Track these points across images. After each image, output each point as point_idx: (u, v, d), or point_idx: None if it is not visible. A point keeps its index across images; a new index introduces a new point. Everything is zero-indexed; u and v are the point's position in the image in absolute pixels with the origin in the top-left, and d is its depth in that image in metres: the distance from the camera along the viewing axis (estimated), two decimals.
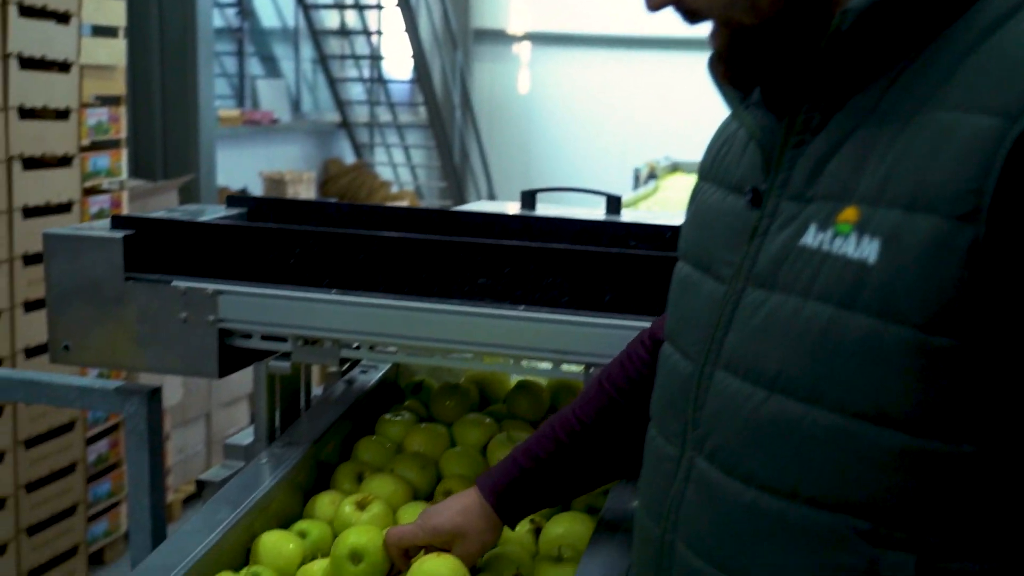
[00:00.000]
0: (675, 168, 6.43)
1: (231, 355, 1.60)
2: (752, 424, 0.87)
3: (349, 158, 9.32)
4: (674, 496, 0.95)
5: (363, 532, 1.33)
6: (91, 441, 3.45)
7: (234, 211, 1.82)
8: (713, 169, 1.03)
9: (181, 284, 1.57)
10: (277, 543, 1.39)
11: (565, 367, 1.52)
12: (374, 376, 1.83)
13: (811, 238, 0.84)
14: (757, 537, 0.87)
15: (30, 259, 3.08)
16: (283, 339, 1.58)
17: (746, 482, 0.87)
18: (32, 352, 3.10)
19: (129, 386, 1.70)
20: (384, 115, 9.80)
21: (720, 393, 0.91)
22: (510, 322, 1.47)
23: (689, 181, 5.58)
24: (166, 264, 1.60)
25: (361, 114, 9.63)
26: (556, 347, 1.46)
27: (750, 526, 0.87)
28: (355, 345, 1.59)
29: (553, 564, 1.35)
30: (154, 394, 1.68)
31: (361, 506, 1.45)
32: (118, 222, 1.63)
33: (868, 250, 0.79)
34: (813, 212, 0.85)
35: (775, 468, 0.86)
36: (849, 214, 0.81)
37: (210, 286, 1.56)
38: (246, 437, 1.75)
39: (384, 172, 9.70)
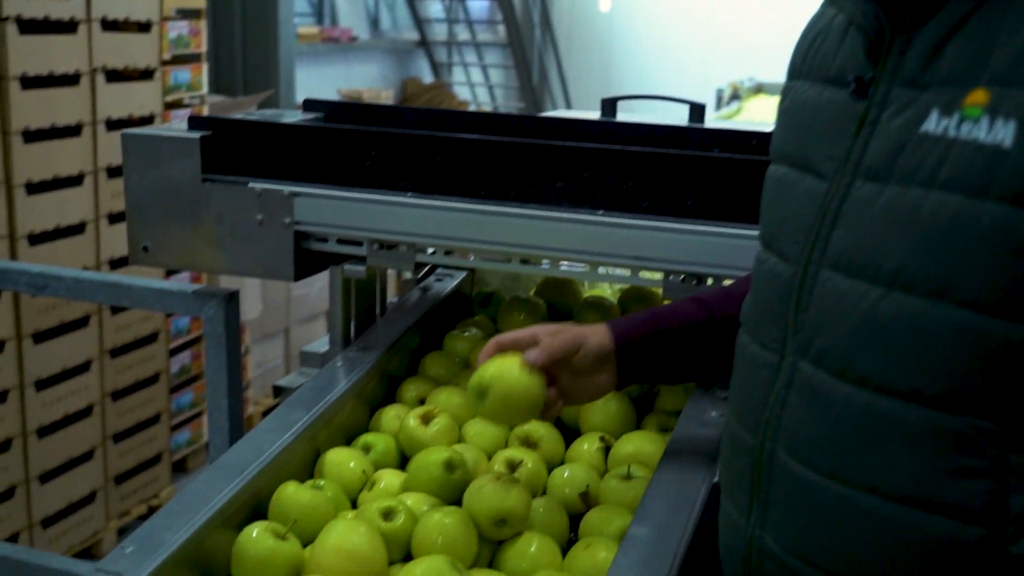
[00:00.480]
0: (759, 89, 6.27)
1: (307, 258, 1.59)
2: (867, 323, 0.83)
3: (427, 77, 9.27)
4: (774, 404, 0.92)
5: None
6: (174, 353, 3.51)
7: (311, 115, 1.80)
8: (805, 65, 0.97)
9: (257, 186, 1.56)
10: (341, 460, 1.38)
11: (643, 275, 1.48)
12: (449, 284, 1.81)
13: (933, 125, 0.79)
14: (870, 442, 0.83)
15: (113, 171, 3.12)
16: (358, 243, 1.56)
17: (859, 385, 0.84)
18: (116, 263, 3.16)
19: (207, 289, 1.70)
20: (463, 34, 9.71)
21: (827, 293, 0.87)
22: (588, 227, 1.43)
23: (774, 102, 5.44)
24: (243, 166, 1.60)
25: (440, 33, 9.55)
26: (635, 253, 1.42)
27: (863, 431, 0.84)
28: (431, 250, 1.57)
29: (621, 482, 1.33)
30: (231, 298, 1.69)
31: (426, 420, 1.43)
32: (196, 123, 1.63)
33: (1003, 133, 0.74)
34: (933, 97, 0.80)
35: (893, 369, 0.81)
36: (978, 97, 0.76)
37: (286, 188, 1.55)
38: (322, 346, 1.75)
39: (462, 92, 9.63)
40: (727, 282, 1.41)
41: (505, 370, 1.16)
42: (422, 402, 1.53)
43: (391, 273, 1.78)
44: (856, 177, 0.85)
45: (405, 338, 1.64)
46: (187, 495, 1.23)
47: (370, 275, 1.64)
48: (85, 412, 3.13)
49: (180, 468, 3.71)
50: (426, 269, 1.86)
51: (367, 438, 1.45)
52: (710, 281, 1.42)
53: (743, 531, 0.96)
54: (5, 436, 2.89)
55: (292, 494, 1.26)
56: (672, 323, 1.22)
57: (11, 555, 1.81)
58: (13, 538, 2.94)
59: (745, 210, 1.40)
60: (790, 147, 0.96)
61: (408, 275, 1.73)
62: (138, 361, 3.31)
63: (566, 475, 1.37)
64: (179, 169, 1.58)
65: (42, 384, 2.97)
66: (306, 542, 1.22)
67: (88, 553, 3.19)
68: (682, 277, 1.42)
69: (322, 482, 1.34)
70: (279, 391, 1.72)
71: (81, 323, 3.06)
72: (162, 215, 1.61)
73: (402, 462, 1.44)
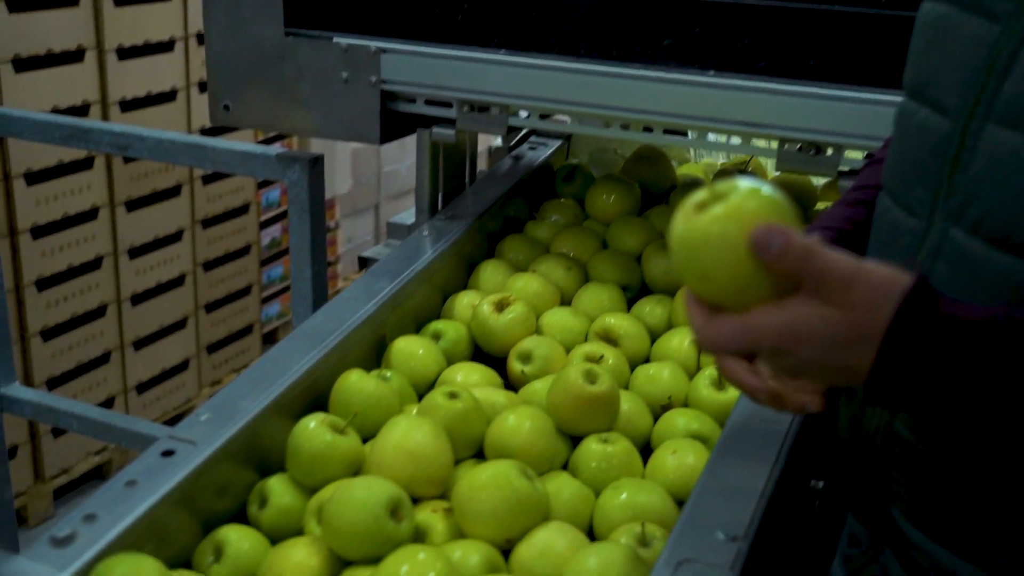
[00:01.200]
0: None
1: (393, 120, 1.50)
2: None
3: None
4: None
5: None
6: (265, 225, 3.50)
7: None
8: None
9: (343, 41, 1.47)
10: (411, 348, 1.30)
11: (757, 142, 1.36)
12: (543, 153, 1.71)
13: None
14: None
15: (204, 38, 3.05)
16: (448, 104, 1.47)
17: (1022, 256, 0.73)
18: (207, 133, 3.12)
19: (291, 153, 1.63)
20: None
21: (991, 152, 0.75)
22: (697, 88, 1.31)
23: None
24: (328, 19, 1.50)
25: None
26: (748, 119, 1.30)
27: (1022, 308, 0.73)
28: (524, 114, 1.46)
29: (713, 390, 1.23)
30: (316, 162, 1.61)
31: (500, 307, 1.34)
32: None
33: None
34: None
35: None
36: None
37: (373, 44, 1.45)
38: (409, 217, 1.68)
39: None
40: (852, 153, 1.28)
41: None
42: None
43: (482, 143, 1.68)
44: None
45: (494, 209, 1.55)
46: (265, 364, 1.18)
47: (459, 140, 1.55)
48: (178, 281, 3.14)
49: (270, 340, 3.73)
50: (519, 135, 1.76)
51: (437, 325, 1.36)
52: (830, 152, 1.29)
53: (868, 418, 0.87)
54: (99, 302, 2.91)
55: (355, 383, 1.17)
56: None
57: (98, 417, 1.81)
58: (109, 402, 2.99)
59: (873, 72, 1.26)
60: None
61: (499, 142, 1.64)
62: (229, 232, 3.30)
63: (651, 373, 1.27)
64: (261, 23, 1.49)
65: (135, 252, 2.98)
66: (367, 436, 1.14)
67: (181, 419, 3.23)
68: (799, 146, 1.30)
69: (388, 372, 1.26)
70: (364, 262, 1.66)
71: (173, 192, 3.05)
72: (243, 72, 1.53)
73: (475, 353, 1.36)
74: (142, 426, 1.78)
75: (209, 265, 3.25)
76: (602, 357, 1.27)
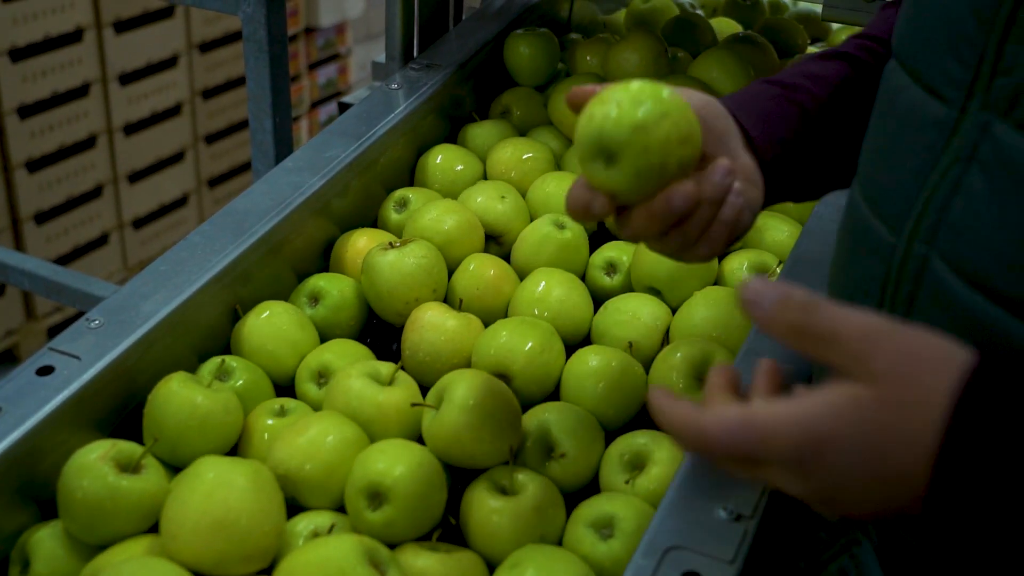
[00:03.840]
0: None
1: None
2: None
3: None
4: (938, 185, 0.60)
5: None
6: None
7: None
8: None
9: None
10: (265, 327, 0.96)
11: None
12: None
13: None
14: None
15: None
16: None
17: None
18: None
19: None
20: None
21: None
22: None
23: None
24: None
25: None
26: None
27: None
28: None
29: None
30: None
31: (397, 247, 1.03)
32: None
33: None
34: None
35: None
36: None
37: None
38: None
39: None
40: None
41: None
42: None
43: None
44: None
45: (485, 50, 1.31)
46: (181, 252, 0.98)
47: None
48: (174, 111, 2.93)
49: None
50: None
51: (318, 282, 1.03)
52: None
53: None
54: (88, 132, 2.71)
55: (174, 394, 0.84)
56: (811, 103, 0.80)
57: (49, 275, 1.63)
58: (103, 239, 2.83)
59: None
60: None
61: None
62: (230, 58, 3.05)
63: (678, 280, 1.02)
64: None
65: (127, 78, 2.76)
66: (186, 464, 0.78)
67: None
68: None
69: (235, 362, 0.93)
70: (344, 108, 1.44)
71: (166, 12, 2.79)
72: None
73: (363, 328, 1.05)
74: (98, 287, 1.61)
75: (208, 94, 3.02)
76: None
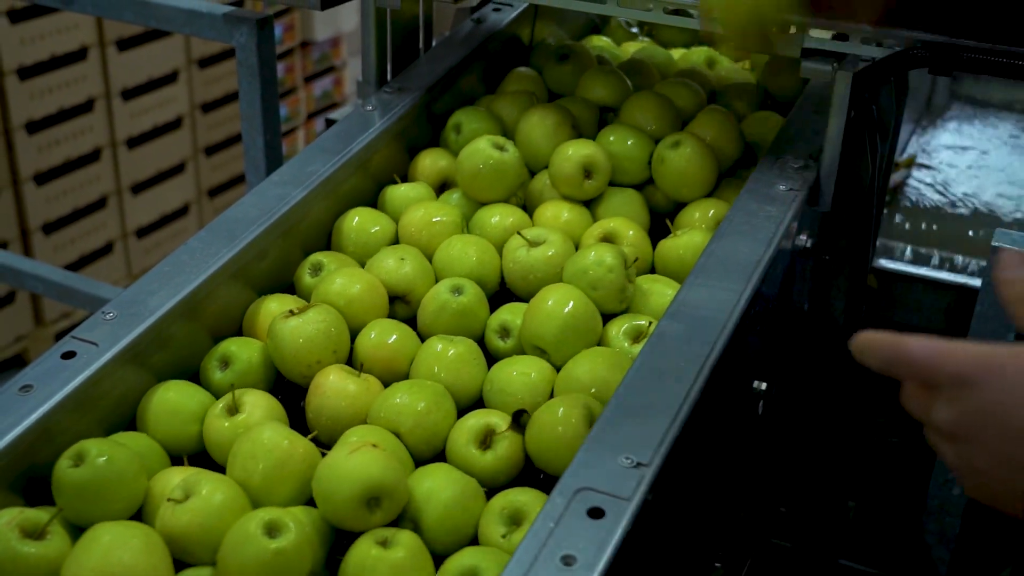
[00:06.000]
0: None
1: None
2: None
3: None
4: None
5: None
6: None
7: None
8: None
9: None
10: (166, 403, 1.02)
11: None
12: (509, 15, 1.59)
13: None
14: None
15: None
16: None
17: None
18: None
19: (239, 13, 1.53)
20: None
21: None
22: None
23: None
24: None
25: None
26: None
27: None
28: None
29: None
30: (264, 23, 1.52)
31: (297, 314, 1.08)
32: None
33: None
34: None
35: None
36: None
37: None
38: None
39: None
40: None
41: None
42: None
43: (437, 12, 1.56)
44: None
45: (454, 75, 1.46)
46: (182, 255, 1.13)
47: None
48: (174, 124, 3.08)
49: None
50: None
51: (229, 347, 1.08)
52: None
53: None
54: (93, 146, 2.86)
55: (65, 470, 0.87)
56: None
57: (61, 281, 1.78)
58: (108, 247, 2.98)
59: None
60: None
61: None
62: (227, 73, 3.20)
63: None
64: None
65: (129, 94, 2.91)
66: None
67: None
68: None
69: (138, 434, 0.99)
70: (331, 124, 1.58)
71: (166, 31, 2.95)
72: None
73: (273, 388, 1.08)
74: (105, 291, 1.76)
75: (208, 106, 3.17)
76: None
